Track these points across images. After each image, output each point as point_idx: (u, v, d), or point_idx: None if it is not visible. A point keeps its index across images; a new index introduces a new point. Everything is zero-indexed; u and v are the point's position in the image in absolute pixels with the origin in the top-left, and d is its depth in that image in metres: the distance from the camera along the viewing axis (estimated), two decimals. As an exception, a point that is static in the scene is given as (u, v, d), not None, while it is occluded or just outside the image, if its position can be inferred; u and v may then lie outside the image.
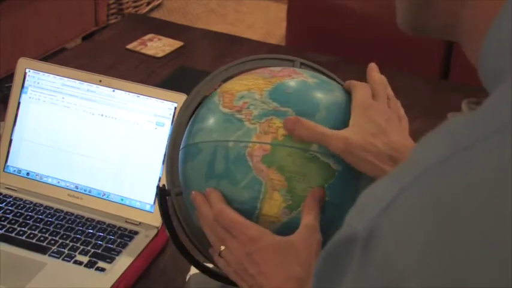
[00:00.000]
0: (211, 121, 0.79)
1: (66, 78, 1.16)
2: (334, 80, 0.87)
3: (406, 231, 0.40)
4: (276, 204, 0.75)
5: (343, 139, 0.74)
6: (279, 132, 0.75)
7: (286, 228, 0.75)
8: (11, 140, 1.18)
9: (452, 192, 0.40)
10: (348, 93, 0.81)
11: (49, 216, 1.12)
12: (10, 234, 1.09)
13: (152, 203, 1.11)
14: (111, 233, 1.09)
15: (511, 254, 0.37)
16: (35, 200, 1.16)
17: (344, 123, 0.77)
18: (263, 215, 0.75)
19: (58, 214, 1.13)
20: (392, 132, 0.76)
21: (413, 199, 0.41)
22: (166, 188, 0.85)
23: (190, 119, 0.84)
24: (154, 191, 1.10)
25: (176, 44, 1.73)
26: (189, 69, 1.62)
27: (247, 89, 0.79)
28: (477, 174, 0.40)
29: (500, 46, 0.46)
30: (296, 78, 0.80)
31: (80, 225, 1.11)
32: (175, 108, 1.10)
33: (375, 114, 0.77)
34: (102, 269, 1.03)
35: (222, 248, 0.77)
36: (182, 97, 1.09)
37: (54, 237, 1.08)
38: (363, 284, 0.42)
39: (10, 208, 1.14)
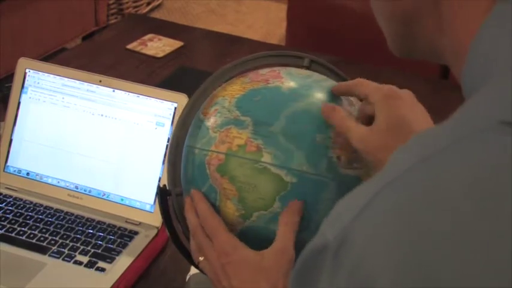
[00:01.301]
0: (193, 126, 0.82)
1: (66, 78, 1.16)
2: (344, 78, 0.85)
3: (376, 238, 0.40)
4: (230, 213, 0.76)
5: (361, 136, 0.72)
6: (234, 142, 0.75)
7: (244, 237, 0.75)
8: (11, 140, 1.18)
9: (420, 197, 0.40)
10: (334, 95, 0.78)
11: (49, 216, 1.12)
12: (10, 234, 1.09)
13: (152, 203, 1.11)
14: (111, 233, 1.09)
15: (489, 255, 0.37)
16: (35, 200, 1.16)
17: (309, 132, 0.74)
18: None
19: (58, 214, 1.13)
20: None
21: (382, 206, 0.41)
22: (167, 188, 0.85)
23: (190, 119, 0.85)
24: (154, 191, 1.10)
25: (176, 44, 1.73)
26: (189, 69, 1.62)
27: (223, 95, 0.79)
28: (447, 176, 0.40)
29: (477, 69, 0.47)
30: (271, 84, 0.78)
31: (80, 225, 1.11)
32: (175, 108, 1.10)
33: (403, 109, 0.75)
34: (102, 269, 1.03)
35: (201, 258, 0.78)
36: (182, 97, 1.09)
37: (54, 237, 1.08)
38: None
39: (10, 208, 1.14)
